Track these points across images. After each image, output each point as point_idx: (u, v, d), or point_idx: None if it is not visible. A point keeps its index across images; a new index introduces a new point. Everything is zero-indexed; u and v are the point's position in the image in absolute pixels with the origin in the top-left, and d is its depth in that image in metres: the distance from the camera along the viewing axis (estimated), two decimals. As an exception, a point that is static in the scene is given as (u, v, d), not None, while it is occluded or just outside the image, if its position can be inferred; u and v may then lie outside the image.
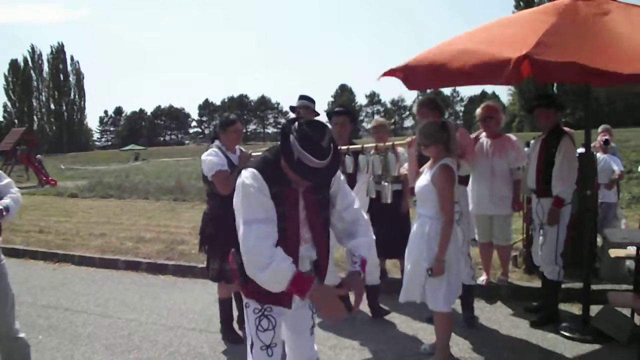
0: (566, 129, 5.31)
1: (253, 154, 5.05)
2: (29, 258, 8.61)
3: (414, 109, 5.04)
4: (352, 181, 5.09)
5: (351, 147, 4.90)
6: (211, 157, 4.71)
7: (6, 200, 3.61)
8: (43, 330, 5.37)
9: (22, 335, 3.88)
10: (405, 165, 5.15)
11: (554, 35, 3.61)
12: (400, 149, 5.20)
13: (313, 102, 5.80)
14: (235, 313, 5.14)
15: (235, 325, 5.11)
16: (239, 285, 2.87)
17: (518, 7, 75.67)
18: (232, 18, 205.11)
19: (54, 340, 5.11)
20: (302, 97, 5.77)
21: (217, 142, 4.89)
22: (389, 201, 4.90)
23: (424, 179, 4.17)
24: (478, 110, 5.85)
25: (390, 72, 4.46)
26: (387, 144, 4.83)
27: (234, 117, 4.98)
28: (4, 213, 3.54)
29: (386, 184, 4.80)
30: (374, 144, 4.93)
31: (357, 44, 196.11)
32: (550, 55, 3.39)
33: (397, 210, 5.53)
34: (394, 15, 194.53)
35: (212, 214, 4.85)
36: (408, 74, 4.29)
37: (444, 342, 4.20)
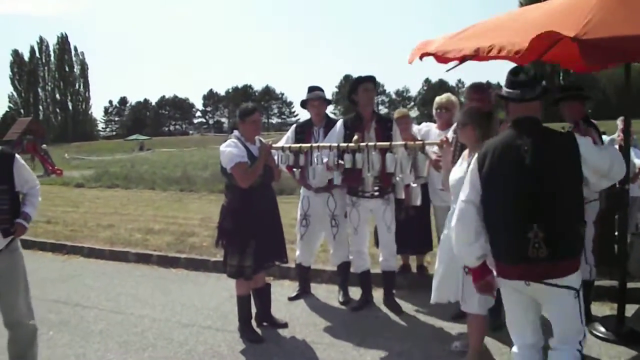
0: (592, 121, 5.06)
1: (274, 145, 4.85)
2: (38, 249, 8.43)
3: (464, 93, 4.76)
4: (357, 178, 4.92)
5: (378, 144, 4.65)
6: (230, 149, 4.51)
7: (27, 209, 4.05)
8: (54, 326, 5.19)
9: (32, 322, 3.96)
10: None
11: (602, 12, 3.35)
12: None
13: (323, 91, 5.65)
14: (253, 311, 4.95)
15: (253, 324, 4.92)
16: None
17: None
18: (235, 8, 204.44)
19: (65, 337, 4.93)
20: (313, 89, 5.58)
21: (236, 133, 4.69)
22: (418, 203, 4.68)
23: (460, 170, 3.91)
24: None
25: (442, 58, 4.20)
26: (418, 142, 4.57)
27: (253, 106, 4.76)
28: (25, 225, 3.96)
29: (415, 185, 4.56)
30: (402, 142, 4.66)
31: (361, 35, 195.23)
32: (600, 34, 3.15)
33: (418, 206, 5.32)
34: (398, 6, 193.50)
35: (230, 207, 4.64)
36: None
37: (478, 344, 4.01)
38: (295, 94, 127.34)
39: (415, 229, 5.64)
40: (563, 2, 3.88)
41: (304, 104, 5.59)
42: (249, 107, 4.73)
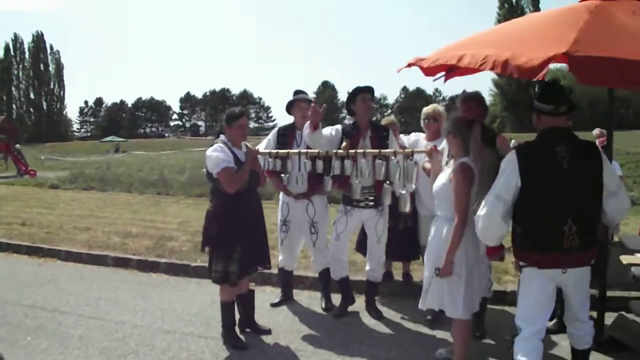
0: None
1: (261, 150, 4.82)
2: (12, 252, 8.27)
3: (457, 102, 4.80)
4: (346, 184, 4.92)
5: (368, 151, 4.64)
6: (217, 153, 4.46)
7: None
8: (31, 331, 5.06)
9: None
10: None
11: (591, 33, 3.41)
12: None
13: (306, 94, 5.67)
14: (236, 317, 4.90)
15: (237, 330, 4.86)
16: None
17: (502, 7, 76.68)
18: (214, 11, 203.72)
19: (43, 343, 4.81)
20: (298, 92, 5.61)
21: (222, 137, 4.64)
22: (407, 210, 4.67)
23: (443, 177, 4.01)
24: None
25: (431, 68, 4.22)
26: (407, 150, 4.58)
27: (240, 110, 4.73)
28: None
29: (404, 192, 4.57)
30: (392, 150, 4.67)
31: (340, 41, 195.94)
32: (589, 52, 3.19)
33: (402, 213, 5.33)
34: (377, 13, 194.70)
35: (216, 212, 4.59)
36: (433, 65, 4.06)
37: (463, 350, 4.03)
38: (273, 99, 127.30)
39: (401, 237, 5.65)
40: (545, 19, 3.95)
41: (289, 106, 5.56)
42: (236, 111, 4.69)
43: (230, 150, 4.54)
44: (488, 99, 79.45)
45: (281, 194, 5.63)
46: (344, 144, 4.77)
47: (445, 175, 3.99)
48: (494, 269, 6.41)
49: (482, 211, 3.48)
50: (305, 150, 4.72)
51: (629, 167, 18.18)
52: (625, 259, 5.60)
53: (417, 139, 5.64)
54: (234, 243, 4.52)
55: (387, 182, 4.81)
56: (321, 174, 4.80)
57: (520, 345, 3.50)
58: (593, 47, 3.28)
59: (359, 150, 4.59)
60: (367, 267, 5.46)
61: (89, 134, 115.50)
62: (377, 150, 4.61)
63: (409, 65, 4.23)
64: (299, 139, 5.38)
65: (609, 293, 5.07)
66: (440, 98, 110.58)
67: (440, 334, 4.91)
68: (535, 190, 3.39)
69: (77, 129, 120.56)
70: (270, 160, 4.74)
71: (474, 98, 4.63)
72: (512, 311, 5.47)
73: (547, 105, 3.47)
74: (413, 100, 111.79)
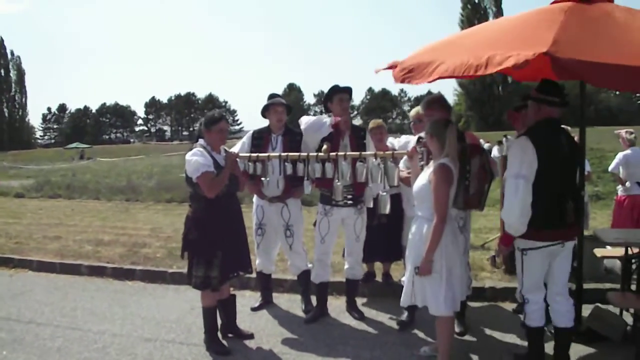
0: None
1: (241, 154, 4.79)
2: (-20, 264, 8.02)
3: (421, 108, 4.86)
4: (329, 185, 4.96)
5: (348, 153, 4.65)
6: (196, 157, 4.42)
7: None
8: (6, 344, 4.91)
9: None
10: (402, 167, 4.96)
11: (569, 34, 3.47)
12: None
13: (281, 97, 5.69)
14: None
15: (219, 336, 4.82)
16: None
17: (465, 8, 77.76)
18: (178, 15, 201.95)
19: (20, 356, 4.67)
20: (274, 96, 5.61)
21: (201, 141, 4.60)
22: (386, 211, 4.71)
23: (422, 177, 4.06)
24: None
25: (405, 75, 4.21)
26: (387, 152, 4.59)
27: (219, 114, 4.68)
28: None
29: (384, 193, 4.60)
30: (372, 152, 4.69)
31: (306, 44, 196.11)
32: (569, 54, 3.25)
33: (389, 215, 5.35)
34: (342, 15, 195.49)
35: (195, 217, 4.54)
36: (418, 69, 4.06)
37: (447, 346, 4.07)
38: (239, 103, 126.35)
39: (384, 238, 5.69)
40: (521, 21, 4.01)
41: (265, 110, 5.52)
42: (215, 115, 4.65)
43: (210, 154, 4.51)
44: (452, 99, 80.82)
45: (255, 197, 5.60)
46: (324, 147, 4.78)
47: (425, 176, 4.03)
48: (471, 265, 6.52)
49: (515, 197, 3.73)
50: (285, 154, 4.70)
51: (593, 162, 18.58)
52: (598, 252, 5.78)
53: (407, 141, 5.67)
54: (215, 248, 4.48)
55: (370, 184, 4.83)
56: (299, 177, 4.79)
57: (532, 310, 4.02)
58: (573, 48, 3.34)
59: (340, 153, 4.59)
60: (346, 266, 5.47)
61: (52, 141, 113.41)
62: (357, 153, 4.63)
63: (390, 67, 4.25)
64: (274, 142, 5.37)
65: (585, 286, 5.19)
66: (406, 99, 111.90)
67: (422, 333, 4.95)
68: (547, 173, 3.74)
69: (41, 136, 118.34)
70: (249, 164, 4.69)
71: (436, 101, 4.70)
72: (491, 307, 5.59)
73: (554, 98, 3.87)
74: (379, 101, 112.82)
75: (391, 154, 4.52)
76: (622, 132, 7.48)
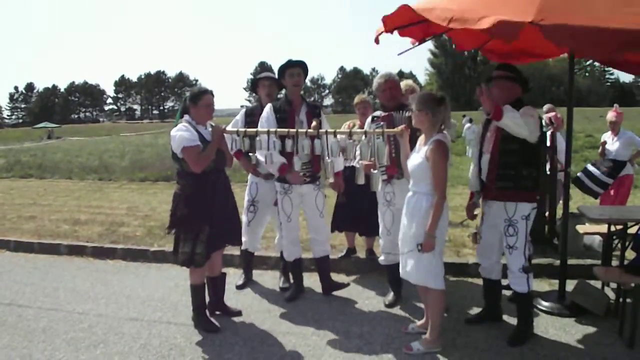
0: None
1: (227, 128, 4.70)
2: (-46, 245, 7.82)
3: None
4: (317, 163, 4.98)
5: (338, 130, 4.61)
6: (181, 132, 4.34)
7: None
8: (-11, 326, 4.82)
9: None
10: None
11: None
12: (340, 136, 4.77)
13: (272, 72, 5.72)
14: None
15: (207, 313, 4.78)
16: None
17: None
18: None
19: (4, 338, 4.57)
20: (264, 69, 5.63)
21: (186, 117, 4.51)
22: (378, 189, 4.68)
23: (417, 156, 4.02)
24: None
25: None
26: (377, 130, 4.55)
27: (205, 88, 4.59)
28: None
29: (375, 171, 4.57)
30: (362, 130, 4.65)
31: (277, 22, 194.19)
32: (557, 20, 3.22)
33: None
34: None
35: (183, 194, 4.45)
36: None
37: (439, 319, 4.11)
38: (210, 81, 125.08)
39: (368, 212, 5.65)
40: None
41: (254, 85, 5.53)
42: (200, 89, 4.57)
43: (195, 129, 4.42)
44: (424, 78, 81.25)
45: (249, 175, 5.56)
46: (313, 123, 4.73)
47: (420, 155, 4.00)
48: (453, 242, 6.59)
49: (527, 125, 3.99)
50: (274, 129, 4.63)
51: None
52: (581, 228, 5.88)
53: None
54: (203, 224, 4.42)
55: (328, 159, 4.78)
56: (289, 153, 4.73)
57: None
58: (559, 13, 3.31)
59: (329, 130, 4.54)
60: (315, 245, 5.42)
61: (20, 120, 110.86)
62: (347, 131, 4.59)
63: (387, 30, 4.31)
64: (301, 114, 5.27)
65: (569, 262, 5.28)
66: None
67: (409, 309, 4.98)
68: (541, 141, 4.29)
69: (8, 115, 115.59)
70: (237, 139, 4.60)
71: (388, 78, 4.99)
72: (475, 283, 5.63)
73: (527, 82, 4.31)
74: (350, 79, 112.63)
75: (381, 132, 4.47)
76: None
